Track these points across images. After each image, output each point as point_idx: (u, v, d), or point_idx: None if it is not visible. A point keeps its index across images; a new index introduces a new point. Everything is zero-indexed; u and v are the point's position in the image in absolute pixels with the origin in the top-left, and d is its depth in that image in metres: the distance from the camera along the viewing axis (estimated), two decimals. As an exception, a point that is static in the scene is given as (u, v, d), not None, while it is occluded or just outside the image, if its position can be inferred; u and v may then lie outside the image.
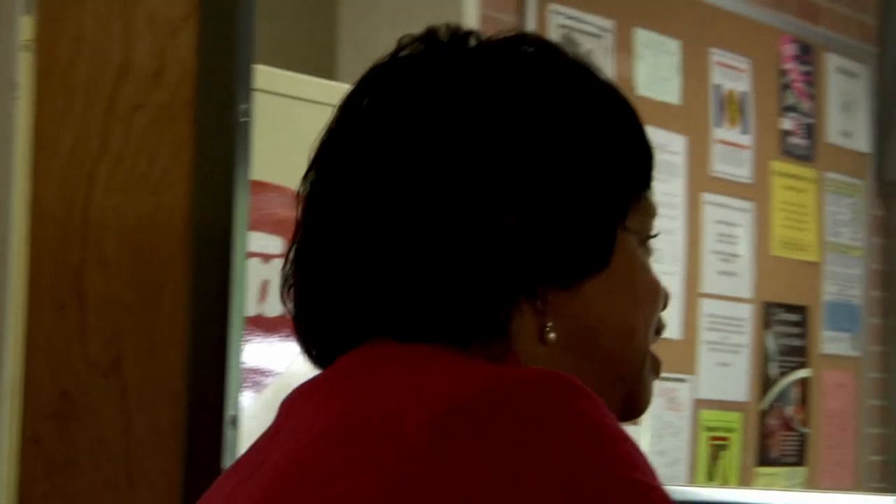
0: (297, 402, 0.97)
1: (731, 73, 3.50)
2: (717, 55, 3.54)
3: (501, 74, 0.95)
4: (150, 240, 1.43)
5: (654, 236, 0.94)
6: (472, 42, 0.95)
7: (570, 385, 0.83)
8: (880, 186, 3.66)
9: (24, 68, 1.45)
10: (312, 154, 0.94)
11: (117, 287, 1.40)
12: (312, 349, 0.94)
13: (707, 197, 3.65)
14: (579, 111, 0.94)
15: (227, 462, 1.41)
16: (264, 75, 1.65)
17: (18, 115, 1.45)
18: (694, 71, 3.27)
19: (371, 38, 3.33)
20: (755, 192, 3.11)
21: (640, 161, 0.93)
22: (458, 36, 0.95)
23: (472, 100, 0.94)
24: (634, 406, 0.95)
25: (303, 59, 3.06)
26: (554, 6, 3.12)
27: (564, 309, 0.91)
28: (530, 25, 2.99)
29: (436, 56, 0.94)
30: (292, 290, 0.94)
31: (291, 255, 0.95)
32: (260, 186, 2.06)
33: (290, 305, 0.94)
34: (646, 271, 0.95)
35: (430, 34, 0.95)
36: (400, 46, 0.94)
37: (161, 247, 1.41)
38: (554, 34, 3.14)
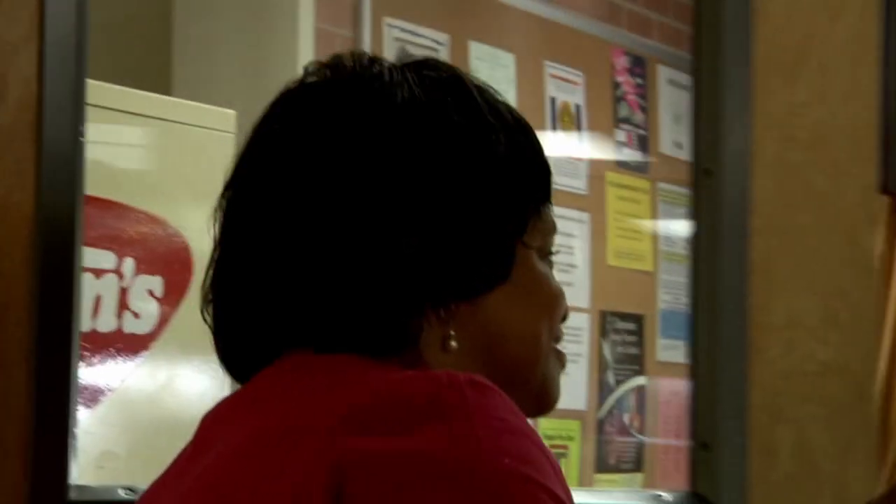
0: (218, 417, 1.01)
1: (566, 86, 3.63)
2: (551, 68, 3.65)
3: (403, 102, 0.97)
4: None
5: (555, 252, 0.98)
6: (376, 68, 0.97)
7: (473, 382, 0.86)
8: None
9: None
10: (229, 174, 0.99)
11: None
12: (231, 364, 0.98)
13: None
14: (476, 135, 0.96)
15: (73, 479, 1.41)
16: (96, 90, 1.55)
17: None
18: (528, 83, 3.34)
19: (205, 55, 3.23)
20: (590, 202, 3.17)
21: (537, 181, 0.97)
22: (363, 63, 0.97)
23: (374, 127, 0.96)
24: (545, 401, 1.01)
25: (137, 74, 3.01)
26: (389, 20, 3.13)
27: (469, 319, 0.95)
28: (366, 39, 3.03)
29: (340, 83, 0.97)
30: (210, 306, 0.97)
31: (210, 272, 0.99)
32: (92, 202, 1.95)
33: (210, 321, 0.97)
34: (547, 282, 1.00)
35: (336, 60, 0.97)
36: (307, 72, 0.98)
37: (4, 267, 1.35)
38: (389, 47, 3.13)
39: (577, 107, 3.40)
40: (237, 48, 3.16)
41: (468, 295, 0.96)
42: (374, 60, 1.00)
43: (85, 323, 2.18)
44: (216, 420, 1.03)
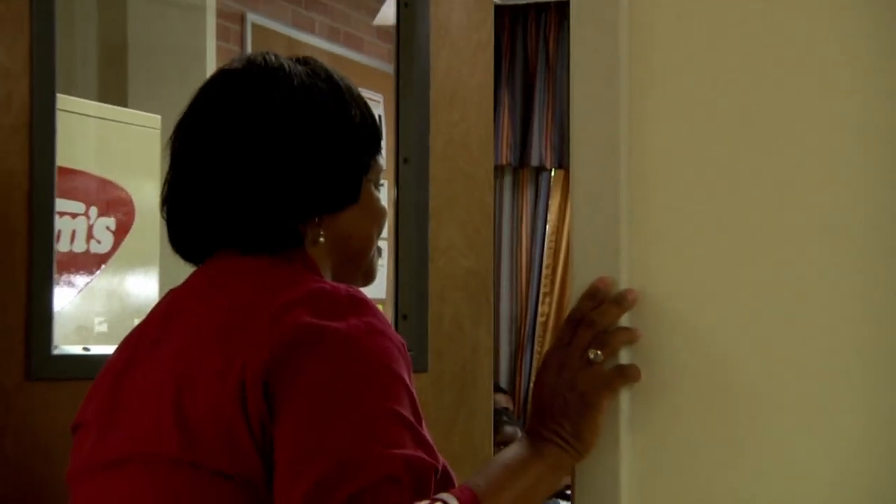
0: (172, 306, 1.25)
1: (373, 102, 4.44)
2: (363, 91, 4.29)
3: (298, 85, 1.22)
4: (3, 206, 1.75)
5: (381, 184, 1.29)
6: (280, 62, 1.23)
7: (359, 298, 1.13)
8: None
9: None
10: (180, 117, 1.24)
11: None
12: (179, 250, 1.27)
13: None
14: (340, 109, 1.23)
15: (55, 343, 1.76)
16: (70, 102, 2.10)
17: None
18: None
19: (163, 59, 3.73)
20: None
21: (374, 139, 1.28)
22: (271, 59, 1.24)
23: (278, 99, 1.21)
24: (370, 277, 1.32)
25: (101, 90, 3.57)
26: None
27: (331, 225, 1.24)
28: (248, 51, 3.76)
29: (259, 69, 1.23)
30: (165, 208, 1.25)
31: (165, 187, 1.25)
32: (69, 171, 2.59)
33: (165, 218, 1.25)
34: (378, 204, 1.29)
35: (256, 56, 1.25)
36: (234, 62, 1.25)
37: (12, 209, 1.74)
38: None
39: (380, 116, 3.86)
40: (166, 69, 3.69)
41: (332, 210, 1.23)
42: (278, 58, 1.26)
43: (65, 246, 2.74)
44: (171, 308, 1.25)
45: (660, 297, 1.13)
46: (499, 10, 5.22)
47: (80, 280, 2.91)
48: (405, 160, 1.98)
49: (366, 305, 1.13)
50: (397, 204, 1.99)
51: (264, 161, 1.19)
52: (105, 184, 2.95)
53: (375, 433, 1.06)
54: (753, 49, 1.12)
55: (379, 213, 1.29)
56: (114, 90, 3.59)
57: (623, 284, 1.12)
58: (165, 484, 1.11)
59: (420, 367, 1.90)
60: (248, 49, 3.81)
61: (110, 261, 3.02)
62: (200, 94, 1.25)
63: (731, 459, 1.09)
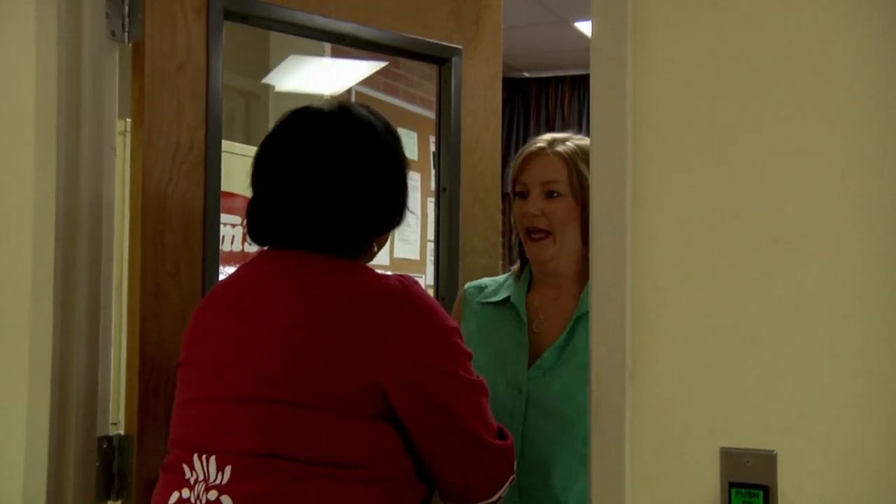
0: (272, 272, 1.39)
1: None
2: (431, 138, 4.67)
3: (382, 129, 1.41)
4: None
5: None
6: (354, 108, 1.42)
7: (420, 289, 1.37)
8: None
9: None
10: (260, 151, 1.42)
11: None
12: (258, 239, 1.43)
13: (430, 202, 4.71)
14: (397, 149, 1.44)
15: None
16: (228, 145, 2.08)
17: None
18: (423, 145, 4.68)
19: None
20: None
21: (407, 176, 1.49)
22: (343, 104, 1.43)
23: (364, 140, 1.38)
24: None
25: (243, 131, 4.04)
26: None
27: (384, 237, 1.50)
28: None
29: (343, 111, 1.41)
30: (252, 205, 1.43)
31: (252, 200, 1.43)
32: (229, 194, 2.48)
33: (247, 224, 1.44)
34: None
35: (342, 104, 1.42)
36: (305, 107, 1.43)
37: (192, 222, 1.88)
38: None
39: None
40: None
41: (388, 229, 1.45)
42: (361, 109, 1.43)
43: (227, 247, 3.17)
44: (270, 276, 1.37)
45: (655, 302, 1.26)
46: (527, 81, 6.20)
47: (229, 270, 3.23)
48: (444, 189, 2.34)
49: (429, 297, 1.40)
50: (438, 219, 2.35)
51: (359, 191, 1.38)
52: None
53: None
54: (742, 117, 1.23)
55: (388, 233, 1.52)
56: (256, 133, 4.05)
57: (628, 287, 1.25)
58: (285, 417, 1.28)
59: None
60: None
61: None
62: (295, 120, 1.42)
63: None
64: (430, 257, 4.95)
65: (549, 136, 1.94)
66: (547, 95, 6.78)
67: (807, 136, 1.20)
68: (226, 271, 3.15)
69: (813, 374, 1.21)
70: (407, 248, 4.90)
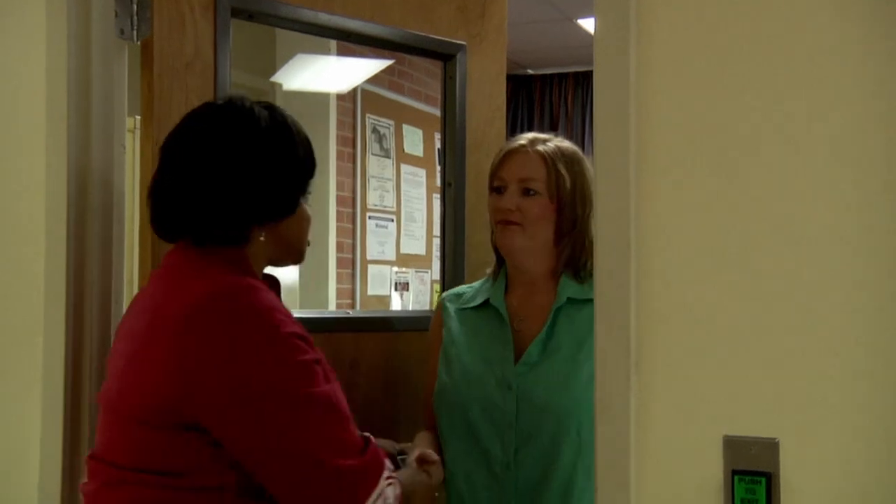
0: (152, 276, 1.44)
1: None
2: (436, 135, 4.63)
3: (265, 125, 1.40)
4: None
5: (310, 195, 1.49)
6: (249, 105, 1.41)
7: (252, 288, 1.32)
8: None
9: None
10: (173, 131, 1.42)
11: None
12: (156, 231, 1.44)
13: (436, 198, 4.73)
14: (288, 145, 1.42)
15: None
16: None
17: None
18: (428, 141, 4.68)
19: (299, 111, 3.83)
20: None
21: (310, 168, 1.47)
22: (242, 100, 1.43)
23: (247, 134, 1.38)
24: (299, 261, 1.52)
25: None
26: (368, 116, 4.52)
27: (276, 229, 1.45)
28: (359, 126, 4.36)
29: (233, 107, 1.42)
30: (150, 199, 1.42)
31: (153, 181, 1.43)
32: None
33: (150, 206, 1.43)
34: (307, 213, 1.49)
35: (231, 97, 1.44)
36: (211, 102, 1.45)
37: None
38: (369, 129, 4.44)
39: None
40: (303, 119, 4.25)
41: (275, 219, 1.43)
42: (251, 103, 1.42)
43: None
44: (142, 294, 1.41)
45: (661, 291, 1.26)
46: (531, 78, 6.22)
47: None
48: (449, 184, 2.35)
49: (264, 295, 1.34)
50: (444, 215, 2.36)
51: (229, 180, 1.38)
52: None
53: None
54: (746, 113, 1.23)
55: (308, 221, 1.50)
56: None
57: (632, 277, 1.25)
58: (114, 425, 1.36)
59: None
60: (359, 107, 4.38)
61: None
62: (189, 118, 1.44)
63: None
64: (436, 252, 4.98)
65: (531, 134, 1.95)
66: (551, 92, 6.79)
67: (811, 132, 1.21)
68: None
69: (816, 363, 1.21)
70: (413, 243, 4.93)
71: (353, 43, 2.40)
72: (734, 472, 1.23)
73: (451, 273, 2.33)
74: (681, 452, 1.26)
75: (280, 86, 4.33)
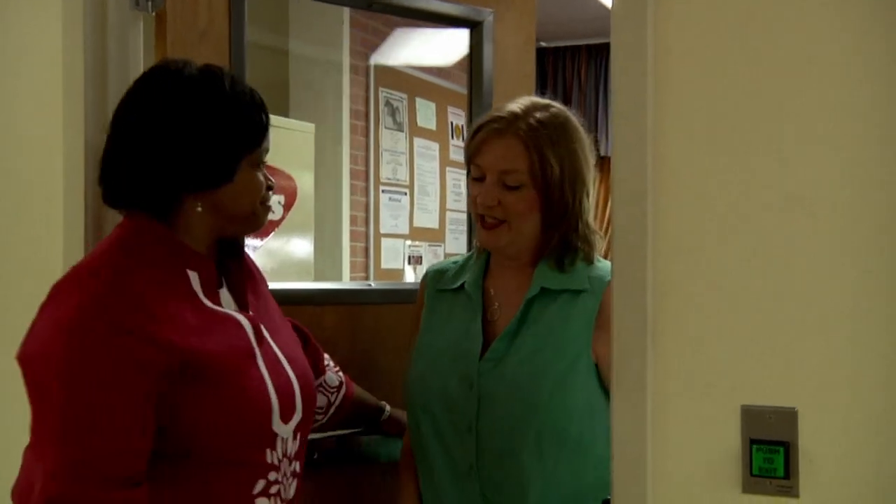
0: None
1: (455, 115, 4.86)
2: (450, 108, 4.98)
3: (181, 88, 1.34)
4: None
5: (265, 162, 1.43)
6: (175, 66, 1.36)
7: (99, 272, 1.28)
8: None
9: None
10: (118, 106, 1.36)
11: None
12: (104, 200, 1.39)
13: (449, 172, 4.94)
14: (212, 109, 1.33)
15: None
16: None
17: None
18: (441, 115, 4.72)
19: (313, 85, 4.41)
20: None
21: (249, 133, 1.37)
22: (177, 62, 1.37)
23: (160, 96, 1.33)
24: (253, 229, 1.44)
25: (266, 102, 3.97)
26: (382, 89, 4.54)
27: (211, 198, 1.37)
28: (372, 100, 4.39)
29: (155, 74, 1.38)
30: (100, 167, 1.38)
31: (103, 153, 1.38)
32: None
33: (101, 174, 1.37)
34: (253, 181, 1.40)
35: (163, 61, 1.40)
36: (154, 69, 1.39)
37: None
38: (382, 102, 4.47)
39: (462, 125, 4.69)
40: (328, 88, 4.21)
41: (208, 187, 1.35)
42: (183, 65, 1.36)
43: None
44: None
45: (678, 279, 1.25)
46: (544, 51, 6.19)
47: (260, 237, 3.46)
48: None
49: (97, 280, 1.28)
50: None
51: (148, 144, 1.33)
52: (276, 171, 3.35)
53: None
54: (766, 82, 1.22)
55: (255, 189, 1.41)
56: (279, 104, 4.11)
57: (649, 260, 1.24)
58: None
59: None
60: (372, 80, 4.43)
61: (280, 226, 3.54)
62: (131, 90, 1.40)
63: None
64: (450, 226, 4.98)
65: (513, 106, 1.69)
66: (564, 65, 6.74)
67: (829, 103, 1.20)
68: (256, 243, 3.33)
69: (834, 331, 1.21)
70: (426, 217, 4.94)
71: (375, 11, 2.35)
72: (752, 441, 1.22)
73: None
74: (698, 423, 1.26)
75: (293, 55, 4.36)
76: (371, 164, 4.68)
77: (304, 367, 1.49)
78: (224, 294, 1.42)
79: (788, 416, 1.21)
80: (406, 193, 4.87)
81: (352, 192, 4.56)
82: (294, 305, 1.80)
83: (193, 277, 1.35)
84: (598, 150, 7.05)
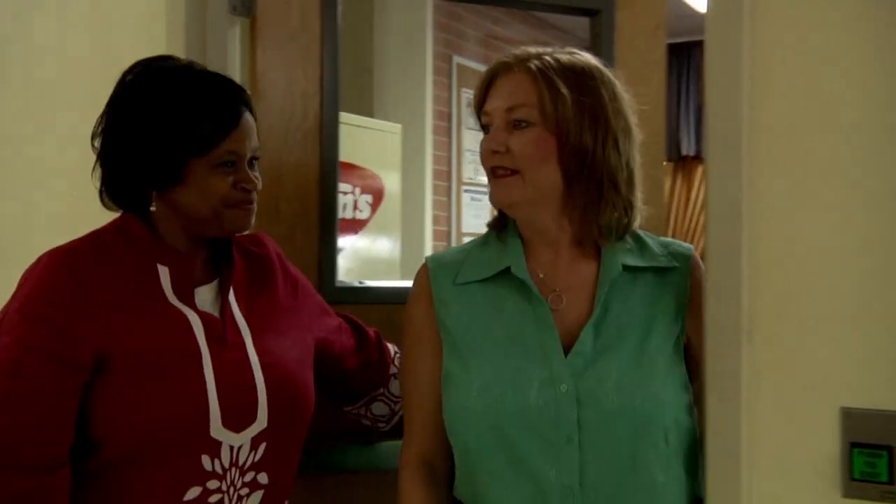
0: None
1: None
2: None
3: (130, 91, 1.36)
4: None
5: (226, 162, 1.37)
6: (135, 71, 1.37)
7: (53, 258, 1.31)
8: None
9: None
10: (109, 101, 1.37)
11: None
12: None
13: None
14: (157, 112, 1.34)
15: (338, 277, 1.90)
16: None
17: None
18: None
19: (397, 86, 4.39)
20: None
21: (194, 136, 1.34)
22: (150, 62, 1.38)
23: (114, 99, 1.36)
24: (223, 230, 1.41)
25: (351, 102, 3.85)
26: (463, 90, 4.60)
27: (167, 198, 1.38)
28: (454, 100, 4.43)
29: (129, 72, 1.39)
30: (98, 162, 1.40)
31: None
32: (344, 165, 2.87)
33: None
34: (209, 183, 1.36)
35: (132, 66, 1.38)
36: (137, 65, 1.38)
37: (309, 188, 1.87)
38: (463, 103, 4.48)
39: None
40: (409, 87, 4.22)
41: (158, 188, 1.37)
42: (140, 69, 1.36)
43: (341, 214, 3.20)
44: None
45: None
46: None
47: (349, 236, 3.48)
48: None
49: (54, 268, 1.31)
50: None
51: (108, 143, 1.38)
52: (364, 171, 3.43)
53: None
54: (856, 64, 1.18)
55: (210, 192, 1.37)
56: (364, 104, 4.13)
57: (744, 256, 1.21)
58: None
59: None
60: (454, 81, 4.46)
61: (368, 225, 3.57)
62: (118, 86, 1.41)
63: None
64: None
65: (523, 49, 1.47)
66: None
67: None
68: (342, 243, 3.29)
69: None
70: (474, 222, 4.87)
71: (496, 5, 2.23)
72: (852, 445, 1.18)
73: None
74: (795, 424, 1.22)
75: (377, 57, 4.39)
76: (453, 164, 4.68)
77: (290, 375, 1.41)
78: (203, 291, 1.40)
79: (893, 420, 1.17)
80: (487, 193, 4.90)
81: (434, 192, 4.57)
82: (382, 304, 1.80)
83: (163, 273, 1.35)
84: (679, 149, 6.87)
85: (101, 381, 1.27)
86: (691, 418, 1.40)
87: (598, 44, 2.14)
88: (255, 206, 1.40)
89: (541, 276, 1.45)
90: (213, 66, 1.70)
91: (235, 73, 1.79)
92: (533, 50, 1.44)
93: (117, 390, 1.27)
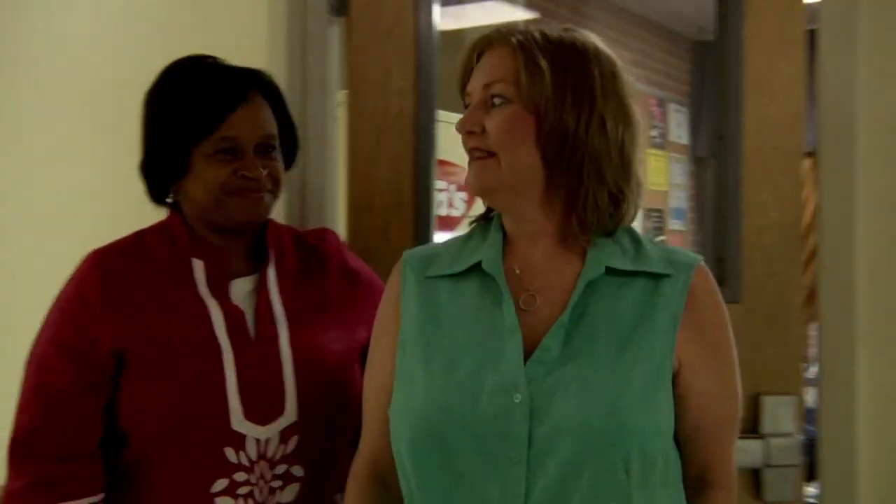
0: None
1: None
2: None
3: (156, 81, 1.39)
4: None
5: (225, 149, 1.35)
6: (183, 59, 1.39)
7: (91, 256, 1.35)
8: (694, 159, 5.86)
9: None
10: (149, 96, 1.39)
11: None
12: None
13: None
14: (161, 98, 1.37)
15: None
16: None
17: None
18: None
19: None
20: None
21: (196, 129, 1.35)
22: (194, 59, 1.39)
23: (149, 92, 1.39)
24: (227, 219, 1.38)
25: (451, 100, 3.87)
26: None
27: (182, 188, 1.40)
28: None
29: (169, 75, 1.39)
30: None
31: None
32: (443, 162, 2.58)
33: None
34: (208, 174, 1.36)
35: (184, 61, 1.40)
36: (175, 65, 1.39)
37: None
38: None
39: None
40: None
41: (169, 181, 1.39)
42: (199, 58, 1.37)
43: (436, 211, 2.75)
44: None
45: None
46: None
47: (444, 236, 3.46)
48: (721, 136, 1.92)
49: (88, 267, 1.35)
50: (719, 170, 1.94)
51: (144, 140, 1.41)
52: (458, 168, 3.37)
53: None
54: None
55: (210, 180, 1.36)
56: (457, 100, 4.18)
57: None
58: None
59: (734, 299, 1.83)
60: None
61: (463, 221, 3.58)
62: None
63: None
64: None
65: (511, 23, 1.34)
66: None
67: None
68: (439, 237, 3.33)
69: None
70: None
71: None
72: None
73: (721, 237, 1.91)
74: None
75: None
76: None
77: (327, 368, 1.38)
78: (239, 284, 1.38)
79: None
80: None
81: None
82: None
83: (198, 267, 1.35)
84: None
85: (124, 375, 1.30)
86: (666, 450, 1.21)
87: (724, 18, 1.92)
88: (263, 194, 1.36)
89: (517, 272, 1.28)
90: (314, 67, 1.70)
91: (335, 72, 1.76)
92: (523, 25, 1.29)
93: (137, 384, 1.29)
